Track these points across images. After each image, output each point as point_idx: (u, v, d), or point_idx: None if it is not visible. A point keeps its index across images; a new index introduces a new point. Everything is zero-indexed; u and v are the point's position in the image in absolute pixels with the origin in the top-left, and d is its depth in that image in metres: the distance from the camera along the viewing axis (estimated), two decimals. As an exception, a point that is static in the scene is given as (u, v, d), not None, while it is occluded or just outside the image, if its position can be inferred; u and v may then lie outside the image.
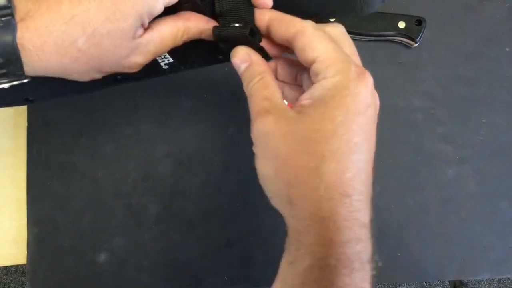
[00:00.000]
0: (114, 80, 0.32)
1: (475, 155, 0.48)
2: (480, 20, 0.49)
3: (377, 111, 0.29)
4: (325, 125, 0.26)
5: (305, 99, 0.28)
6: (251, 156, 0.47)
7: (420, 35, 0.47)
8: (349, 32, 0.47)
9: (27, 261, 0.46)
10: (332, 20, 0.33)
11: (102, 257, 0.45)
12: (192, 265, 0.46)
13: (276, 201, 0.29)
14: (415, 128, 0.48)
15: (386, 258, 0.47)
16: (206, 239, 0.46)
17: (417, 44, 0.48)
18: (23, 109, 0.47)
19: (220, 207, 0.47)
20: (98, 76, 0.29)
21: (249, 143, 0.48)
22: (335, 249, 0.26)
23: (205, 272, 0.46)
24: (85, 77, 0.29)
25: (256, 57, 0.31)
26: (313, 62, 0.28)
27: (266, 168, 0.28)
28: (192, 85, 0.48)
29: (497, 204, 0.48)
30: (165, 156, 0.47)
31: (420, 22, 0.47)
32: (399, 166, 0.48)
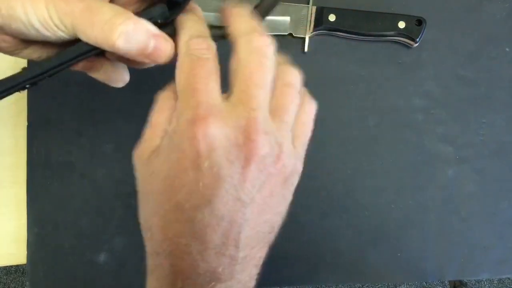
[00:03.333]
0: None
1: (475, 155, 0.48)
2: (480, 20, 0.50)
3: None
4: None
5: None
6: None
7: (420, 35, 0.47)
8: (349, 32, 0.47)
9: (27, 261, 0.46)
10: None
11: (102, 257, 0.45)
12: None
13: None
14: (415, 128, 0.48)
15: (386, 258, 0.47)
16: (206, 239, 0.46)
17: (417, 44, 0.48)
18: (23, 109, 0.47)
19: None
20: None
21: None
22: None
23: (205, 272, 0.46)
24: None
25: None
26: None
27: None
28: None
29: (497, 204, 0.48)
30: (165, 156, 0.47)
31: (420, 22, 0.47)
32: (399, 166, 0.48)
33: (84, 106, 0.48)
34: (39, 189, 0.46)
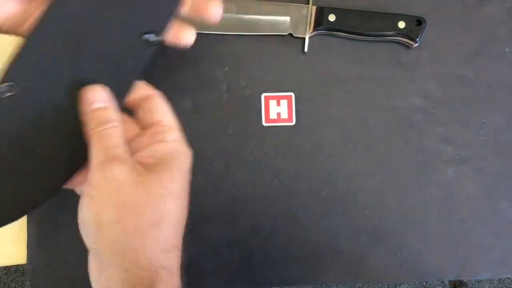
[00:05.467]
0: None
1: (475, 155, 0.48)
2: (480, 20, 0.49)
3: None
4: (173, 183, 0.30)
5: (146, 157, 0.30)
6: (251, 156, 0.47)
7: (420, 35, 0.47)
8: (349, 32, 0.47)
9: (27, 261, 0.46)
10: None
11: (102, 257, 0.45)
12: (192, 265, 0.46)
13: (105, 249, 0.28)
14: (415, 128, 0.48)
15: (386, 258, 0.47)
16: (205, 239, 0.46)
17: (417, 44, 0.48)
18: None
19: (220, 207, 0.47)
20: None
21: (250, 142, 0.49)
22: None
23: (205, 272, 0.46)
24: None
25: (114, 104, 0.31)
26: (154, 123, 0.31)
27: (107, 214, 0.28)
28: (192, 85, 0.48)
29: (497, 204, 0.48)
30: (165, 156, 0.47)
31: (420, 22, 0.47)
32: (399, 166, 0.48)
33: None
34: (39, 189, 0.46)
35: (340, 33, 0.48)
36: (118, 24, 0.31)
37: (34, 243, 0.45)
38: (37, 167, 0.31)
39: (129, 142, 0.31)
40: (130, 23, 0.32)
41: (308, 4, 0.47)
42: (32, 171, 0.31)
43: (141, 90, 0.33)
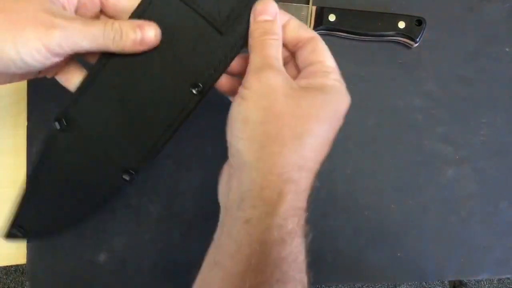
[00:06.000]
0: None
1: (475, 155, 0.48)
2: (480, 20, 0.49)
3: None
4: (323, 109, 0.30)
5: (305, 83, 0.31)
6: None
7: (420, 35, 0.47)
8: (349, 32, 0.47)
9: (27, 261, 0.45)
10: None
11: (102, 257, 0.45)
12: (192, 265, 0.46)
13: (244, 145, 0.30)
14: (415, 128, 0.48)
15: (386, 258, 0.47)
16: (206, 239, 0.46)
17: (417, 44, 0.48)
18: (23, 109, 0.47)
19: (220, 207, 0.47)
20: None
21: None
22: (292, 211, 0.29)
23: (205, 272, 0.46)
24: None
25: (280, 21, 0.33)
26: (317, 62, 0.32)
27: (254, 114, 0.29)
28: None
29: (497, 204, 0.48)
30: (165, 156, 0.47)
31: (420, 22, 0.47)
32: (399, 166, 0.48)
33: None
34: (39, 189, 0.46)
35: (340, 33, 0.48)
36: (172, 76, 0.34)
37: (34, 243, 0.45)
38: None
39: None
40: (181, 75, 0.34)
41: (308, 4, 0.47)
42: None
43: (304, 32, 0.33)
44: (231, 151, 0.31)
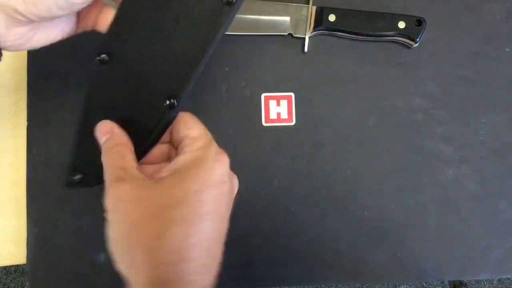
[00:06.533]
0: None
1: (475, 155, 0.48)
2: (480, 20, 0.50)
3: (234, 192, 0.32)
4: (178, 192, 0.28)
5: (166, 170, 0.30)
6: (251, 156, 0.47)
7: (420, 35, 0.47)
8: (349, 32, 0.47)
9: (27, 261, 0.46)
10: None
11: (102, 257, 0.45)
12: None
13: (122, 266, 0.29)
14: (415, 128, 0.48)
15: (386, 258, 0.47)
16: (206, 239, 0.46)
17: (417, 44, 0.48)
18: (23, 109, 0.47)
19: (220, 207, 0.47)
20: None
21: (250, 142, 0.48)
22: None
23: (205, 272, 0.46)
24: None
25: (118, 130, 0.32)
26: (183, 138, 0.31)
27: (115, 233, 0.29)
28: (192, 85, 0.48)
29: (497, 204, 0.48)
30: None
31: (420, 22, 0.47)
32: (399, 166, 0.48)
33: (84, 106, 0.48)
34: (39, 189, 0.46)
35: (340, 33, 0.48)
36: (146, 90, 0.34)
37: (34, 243, 0.46)
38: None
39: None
40: (156, 88, 0.34)
41: (308, 4, 0.47)
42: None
43: (183, 127, 0.33)
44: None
